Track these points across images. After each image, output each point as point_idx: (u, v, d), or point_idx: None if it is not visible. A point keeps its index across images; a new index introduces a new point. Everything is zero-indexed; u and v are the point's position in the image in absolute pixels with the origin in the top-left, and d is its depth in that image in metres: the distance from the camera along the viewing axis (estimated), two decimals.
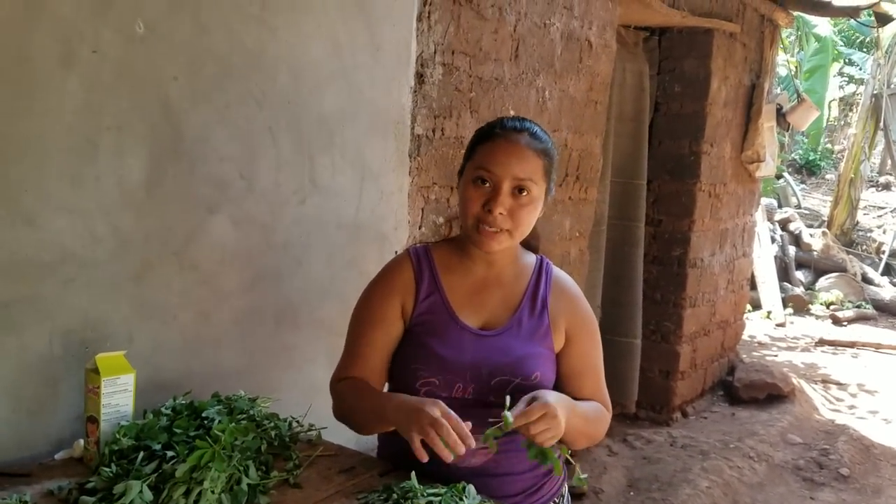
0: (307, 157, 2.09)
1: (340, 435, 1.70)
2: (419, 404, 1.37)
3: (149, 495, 1.28)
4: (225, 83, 1.84)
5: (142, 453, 1.39)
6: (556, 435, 1.38)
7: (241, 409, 1.59)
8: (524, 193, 1.50)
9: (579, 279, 3.62)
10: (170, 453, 1.37)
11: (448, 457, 1.32)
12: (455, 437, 1.31)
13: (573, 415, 1.47)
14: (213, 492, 1.30)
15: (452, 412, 1.35)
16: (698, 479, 4.00)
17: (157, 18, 1.68)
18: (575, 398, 1.59)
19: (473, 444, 1.34)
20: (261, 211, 1.98)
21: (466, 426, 1.34)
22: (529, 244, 1.69)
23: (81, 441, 1.53)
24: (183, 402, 1.59)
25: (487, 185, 1.50)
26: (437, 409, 1.34)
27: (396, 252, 2.30)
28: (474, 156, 1.54)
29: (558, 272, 1.69)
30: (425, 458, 1.33)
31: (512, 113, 2.88)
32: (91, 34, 1.57)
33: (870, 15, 6.05)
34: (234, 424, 1.45)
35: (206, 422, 1.49)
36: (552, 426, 1.36)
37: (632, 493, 3.93)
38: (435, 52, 2.46)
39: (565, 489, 1.72)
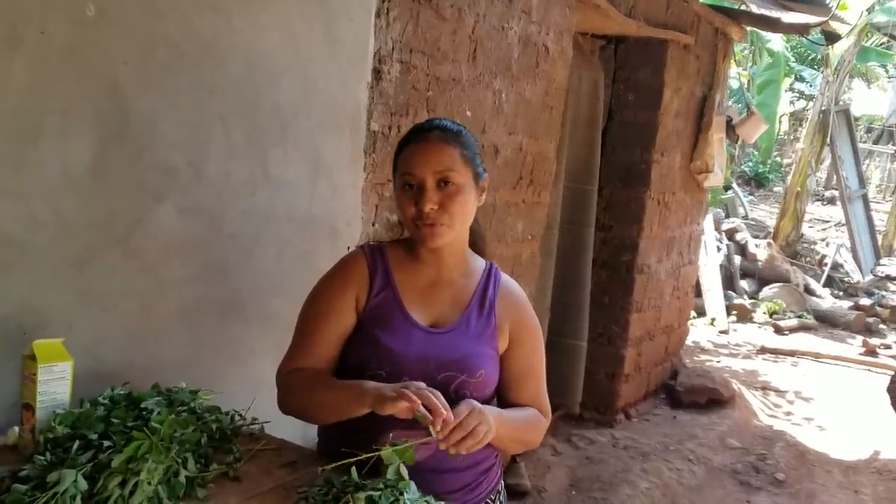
0: (259, 148, 2.07)
1: (284, 429, 1.70)
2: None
3: (83, 485, 1.26)
4: (176, 70, 1.82)
5: (78, 442, 1.36)
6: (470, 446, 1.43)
7: (181, 401, 1.57)
8: (449, 184, 1.55)
9: (530, 281, 3.66)
10: (106, 443, 1.35)
11: (428, 417, 1.36)
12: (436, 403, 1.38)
13: (501, 425, 1.51)
14: (149, 483, 1.29)
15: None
16: (638, 480, 4.08)
17: (109, 1, 1.65)
18: (514, 402, 1.65)
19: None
20: (209, 200, 1.96)
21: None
22: (475, 245, 1.72)
23: (16, 428, 1.50)
24: (121, 392, 1.57)
25: (414, 187, 1.56)
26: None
27: (349, 248, 2.29)
28: (398, 166, 1.61)
29: (506, 277, 1.73)
30: (419, 403, 1.37)
31: (469, 114, 2.90)
32: (39, 15, 1.54)
33: (819, 33, 6.23)
34: (173, 416, 1.44)
35: (144, 413, 1.47)
36: (477, 438, 1.42)
37: (574, 493, 3.98)
38: (393, 50, 2.46)
39: (501, 485, 1.74)
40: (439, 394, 1.41)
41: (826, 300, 9.77)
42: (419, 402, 1.37)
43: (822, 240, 13.25)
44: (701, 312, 8.40)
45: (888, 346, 8.11)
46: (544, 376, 1.74)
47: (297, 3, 2.10)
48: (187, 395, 1.61)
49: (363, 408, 1.44)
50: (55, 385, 1.46)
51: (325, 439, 1.69)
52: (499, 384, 1.65)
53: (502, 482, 1.75)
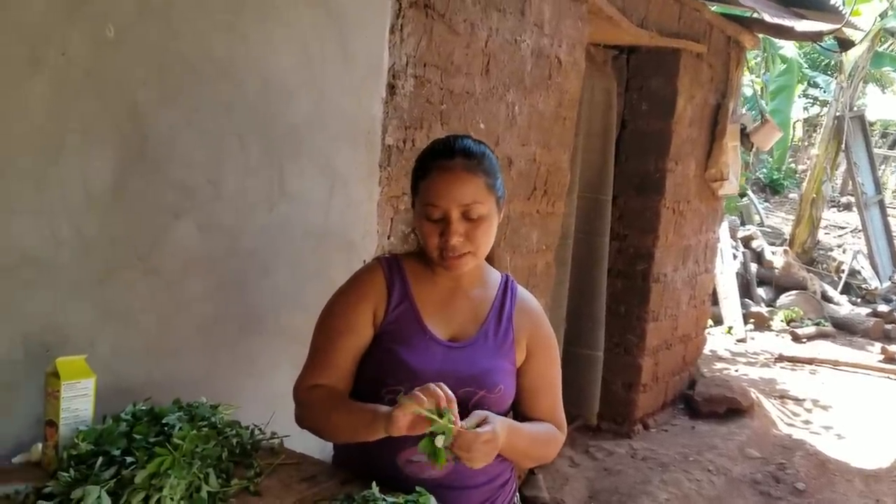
0: (276, 164, 2.09)
1: (303, 443, 1.70)
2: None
3: (107, 501, 1.27)
4: (194, 88, 1.84)
5: (101, 458, 1.38)
6: (482, 463, 1.41)
7: (202, 417, 1.58)
8: (474, 215, 1.53)
9: (545, 291, 3.66)
10: (129, 459, 1.36)
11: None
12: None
13: (515, 438, 1.52)
14: (172, 499, 1.30)
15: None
16: (658, 492, 4.05)
17: (128, 22, 1.68)
18: (529, 415, 1.64)
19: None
20: (227, 217, 1.98)
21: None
22: (487, 256, 1.71)
23: (40, 445, 1.51)
24: (143, 407, 1.58)
25: (438, 218, 1.53)
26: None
27: (364, 261, 2.30)
28: (419, 193, 1.57)
29: (522, 290, 1.72)
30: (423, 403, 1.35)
31: (482, 127, 2.91)
32: (60, 37, 1.57)
33: (833, 40, 6.20)
34: (194, 432, 1.45)
35: (166, 428, 1.49)
36: (487, 454, 1.41)
37: None
38: (407, 65, 2.48)
39: (517, 498, 1.74)
40: (448, 391, 1.39)
41: (844, 307, 9.68)
42: (425, 402, 1.35)
43: (839, 246, 13.14)
44: (718, 321, 8.35)
45: None
46: (560, 390, 1.73)
47: (311, 20, 2.12)
48: (208, 409, 1.63)
49: (378, 433, 1.43)
50: (78, 402, 1.48)
51: (342, 451, 1.70)
52: (514, 397, 1.64)
53: (518, 495, 1.75)
